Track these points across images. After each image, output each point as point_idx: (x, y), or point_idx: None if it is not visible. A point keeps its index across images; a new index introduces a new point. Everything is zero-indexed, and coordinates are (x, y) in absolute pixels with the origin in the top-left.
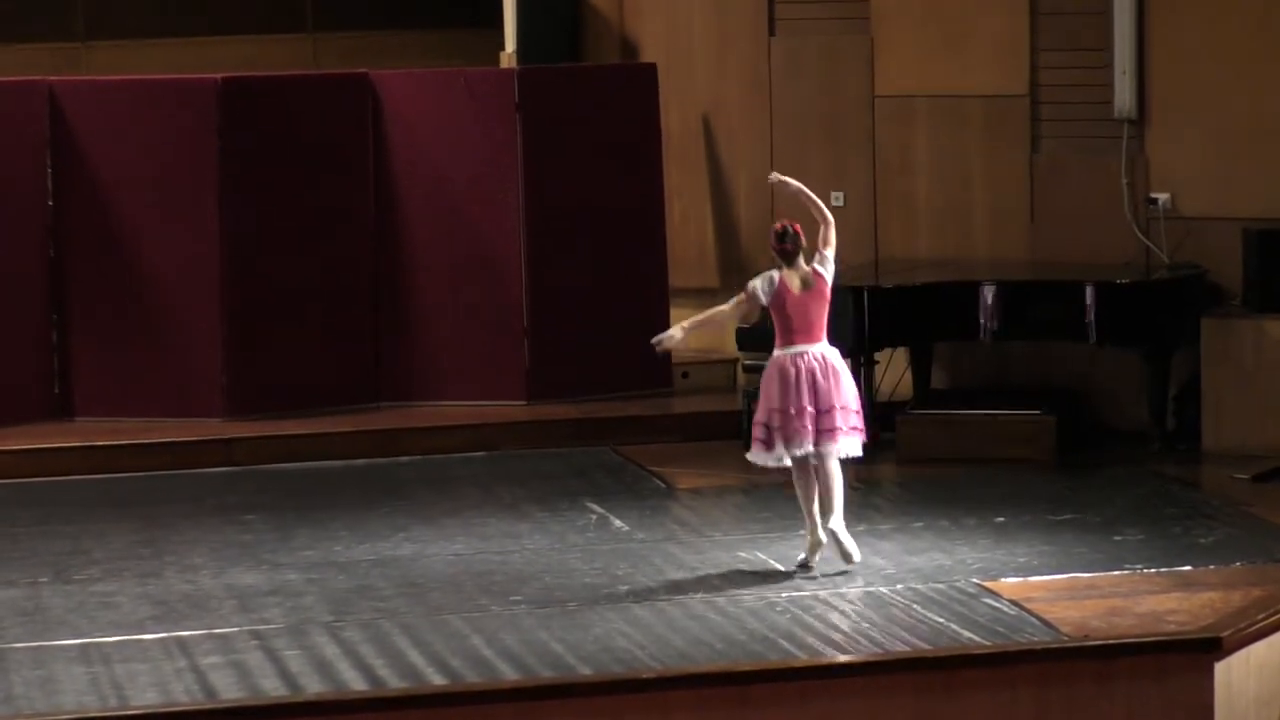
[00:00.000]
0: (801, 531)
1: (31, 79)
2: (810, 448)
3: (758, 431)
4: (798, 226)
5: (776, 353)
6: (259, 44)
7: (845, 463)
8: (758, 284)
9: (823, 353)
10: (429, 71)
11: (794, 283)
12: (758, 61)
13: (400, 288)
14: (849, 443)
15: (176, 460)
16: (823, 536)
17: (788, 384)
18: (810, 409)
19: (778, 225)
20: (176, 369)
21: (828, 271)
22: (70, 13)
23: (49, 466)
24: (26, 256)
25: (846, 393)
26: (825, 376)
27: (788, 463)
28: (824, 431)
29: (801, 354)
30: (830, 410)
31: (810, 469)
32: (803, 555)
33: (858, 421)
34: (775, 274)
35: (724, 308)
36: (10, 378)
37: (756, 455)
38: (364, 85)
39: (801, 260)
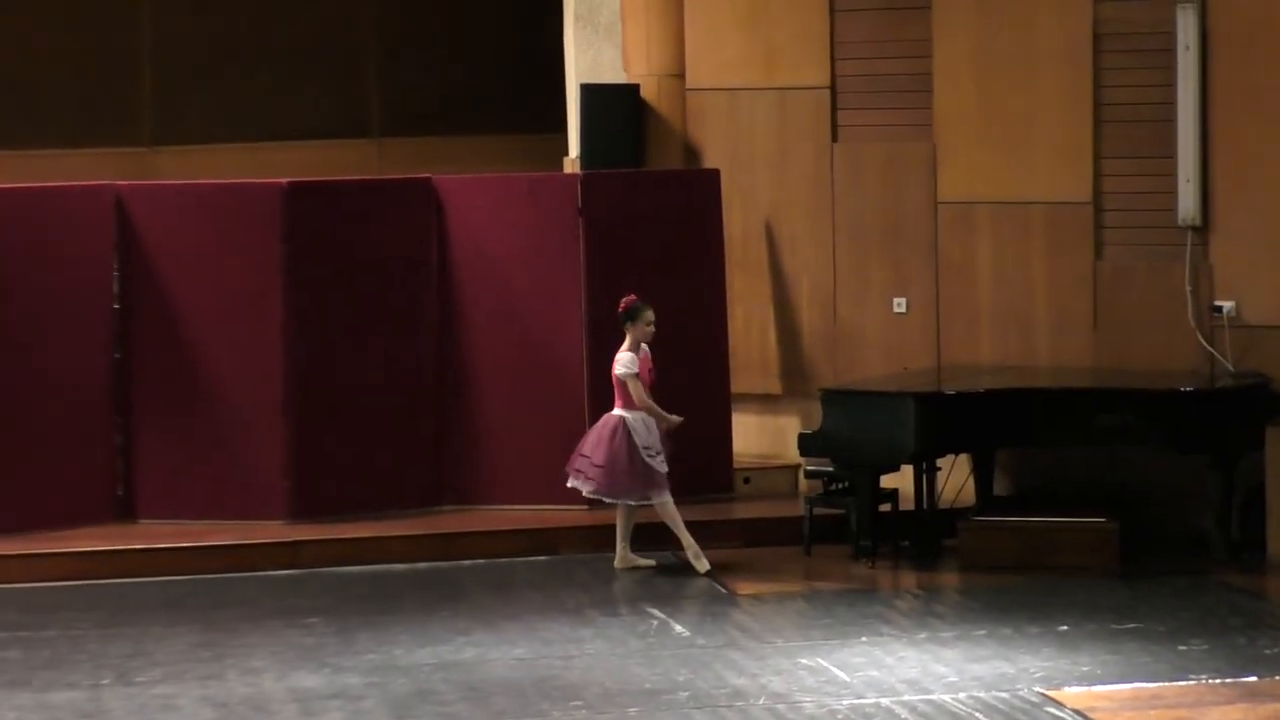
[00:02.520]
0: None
1: (99, 183)
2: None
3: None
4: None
5: None
6: (325, 149)
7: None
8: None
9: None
10: (492, 176)
11: None
12: (820, 167)
13: (463, 391)
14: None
15: (239, 563)
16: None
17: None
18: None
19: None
20: (240, 471)
21: (618, 363)
22: (138, 119)
23: (112, 568)
24: (92, 358)
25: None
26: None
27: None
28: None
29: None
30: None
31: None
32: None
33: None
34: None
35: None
36: (74, 479)
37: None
38: (428, 189)
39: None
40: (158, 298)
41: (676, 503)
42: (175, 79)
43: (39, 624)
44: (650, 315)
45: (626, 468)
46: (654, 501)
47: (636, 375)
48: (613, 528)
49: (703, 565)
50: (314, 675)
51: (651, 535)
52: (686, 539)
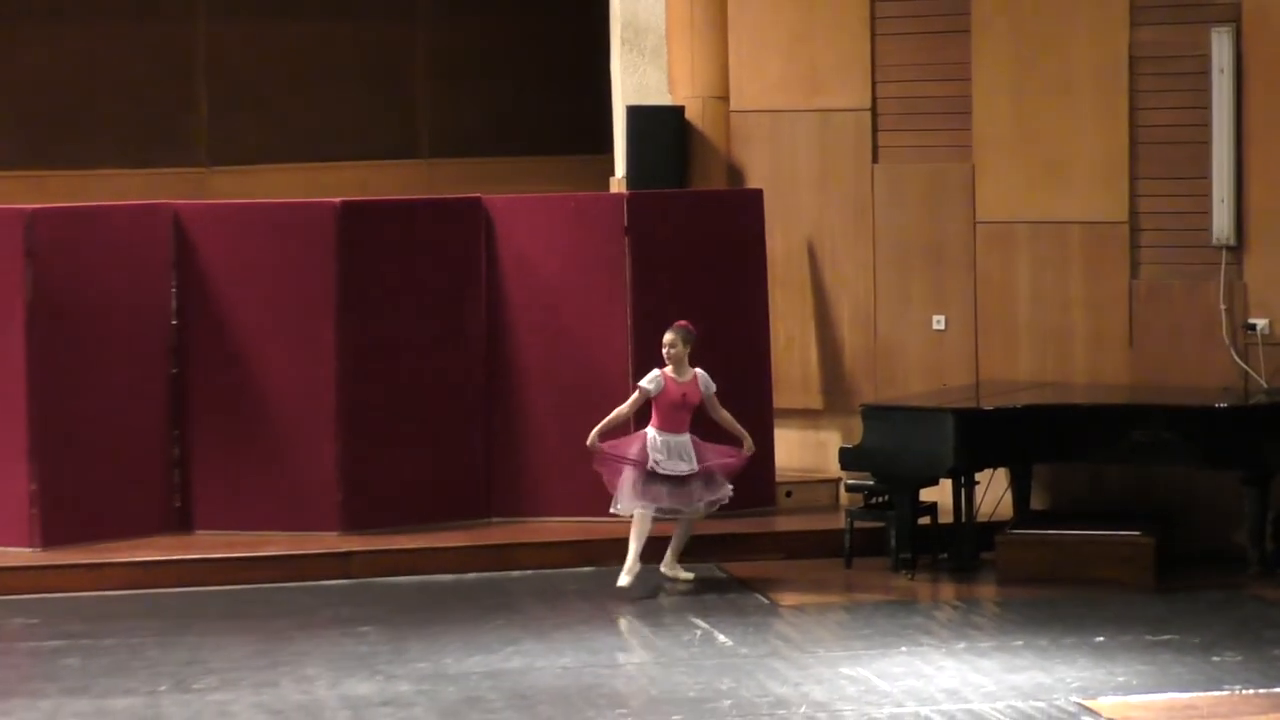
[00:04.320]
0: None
1: (157, 203)
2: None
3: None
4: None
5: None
6: (377, 169)
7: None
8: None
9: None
10: (540, 196)
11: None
12: (861, 187)
13: (511, 405)
14: None
15: (293, 573)
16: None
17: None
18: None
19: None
20: (293, 484)
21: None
22: (195, 140)
23: (169, 578)
24: (150, 373)
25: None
26: None
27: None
28: None
29: None
30: None
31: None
32: (626, 581)
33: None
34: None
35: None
36: (133, 491)
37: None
38: (477, 209)
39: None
40: (214, 314)
41: (724, 516)
42: (231, 102)
43: (99, 632)
44: (664, 338)
45: (630, 476)
46: (622, 508)
47: (642, 390)
48: (658, 540)
49: (623, 581)
50: (366, 683)
51: (690, 549)
52: (633, 555)
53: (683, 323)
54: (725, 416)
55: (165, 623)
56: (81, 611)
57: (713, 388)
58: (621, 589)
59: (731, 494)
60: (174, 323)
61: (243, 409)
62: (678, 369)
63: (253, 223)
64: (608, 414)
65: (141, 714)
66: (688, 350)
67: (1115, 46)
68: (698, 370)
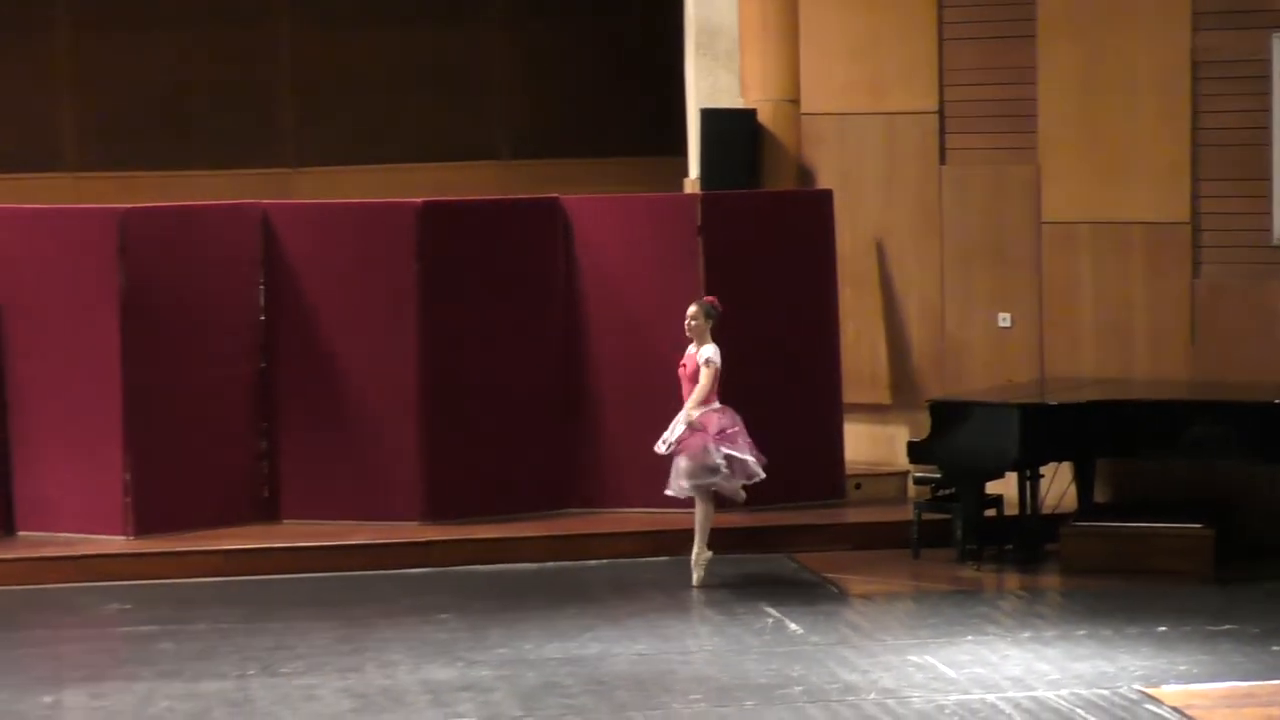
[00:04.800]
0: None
1: (247, 202)
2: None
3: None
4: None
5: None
6: (457, 170)
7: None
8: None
9: None
10: (617, 196)
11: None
12: (928, 188)
13: (588, 399)
14: None
15: (375, 561)
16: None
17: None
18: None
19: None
20: (376, 475)
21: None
22: (282, 142)
23: (257, 566)
24: (238, 368)
25: None
26: None
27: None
28: None
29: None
30: None
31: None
32: (695, 577)
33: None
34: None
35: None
36: (222, 482)
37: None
38: (555, 209)
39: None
40: (300, 310)
41: (795, 507)
42: (315, 106)
43: (190, 618)
44: (688, 310)
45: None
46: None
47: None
48: (728, 531)
49: (694, 578)
50: (447, 668)
51: (763, 540)
52: (695, 546)
53: (709, 298)
54: (696, 388)
55: (252, 609)
56: (172, 597)
57: (704, 356)
58: (695, 585)
59: (744, 467)
60: (261, 319)
61: (327, 403)
62: (698, 341)
63: (337, 222)
64: (683, 407)
65: (231, 697)
66: (709, 324)
67: (1177, 51)
68: (711, 345)
